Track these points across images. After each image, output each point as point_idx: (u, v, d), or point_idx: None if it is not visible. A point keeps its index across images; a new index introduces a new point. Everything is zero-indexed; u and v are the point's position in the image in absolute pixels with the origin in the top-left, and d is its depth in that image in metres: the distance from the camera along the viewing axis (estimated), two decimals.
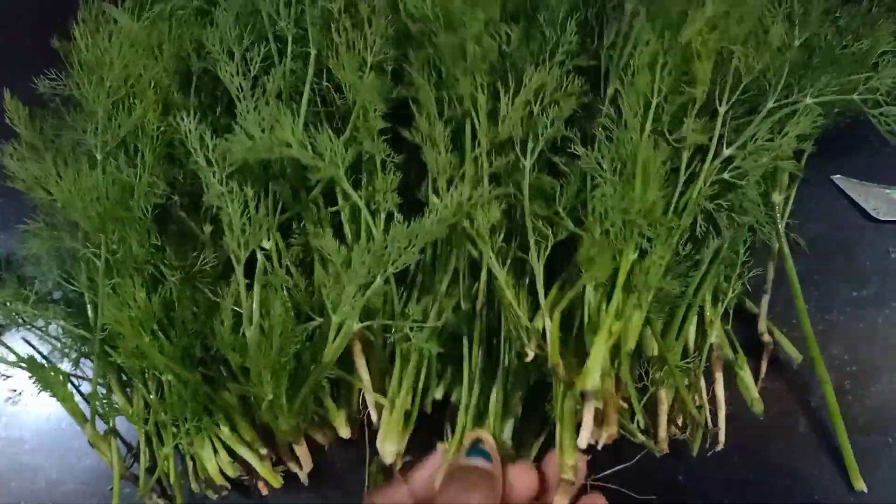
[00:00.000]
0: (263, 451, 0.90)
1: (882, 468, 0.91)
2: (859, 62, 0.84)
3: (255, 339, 0.83)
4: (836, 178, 1.02)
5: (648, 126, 0.80)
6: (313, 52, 0.86)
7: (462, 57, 0.81)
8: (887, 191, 1.00)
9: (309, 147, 0.80)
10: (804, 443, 0.93)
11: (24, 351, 0.96)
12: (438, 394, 0.90)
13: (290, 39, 0.87)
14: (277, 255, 0.88)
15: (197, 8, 0.93)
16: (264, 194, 0.86)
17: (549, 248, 0.83)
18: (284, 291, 0.86)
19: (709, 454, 0.90)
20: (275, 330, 0.82)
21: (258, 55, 0.87)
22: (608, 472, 0.86)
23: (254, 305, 0.84)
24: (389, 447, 0.84)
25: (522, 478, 0.81)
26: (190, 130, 0.84)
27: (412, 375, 0.86)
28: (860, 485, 0.89)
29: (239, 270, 0.84)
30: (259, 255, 0.86)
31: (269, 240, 0.86)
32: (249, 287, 0.85)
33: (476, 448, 0.81)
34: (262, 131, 0.79)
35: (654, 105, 0.79)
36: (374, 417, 0.88)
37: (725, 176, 0.82)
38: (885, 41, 0.84)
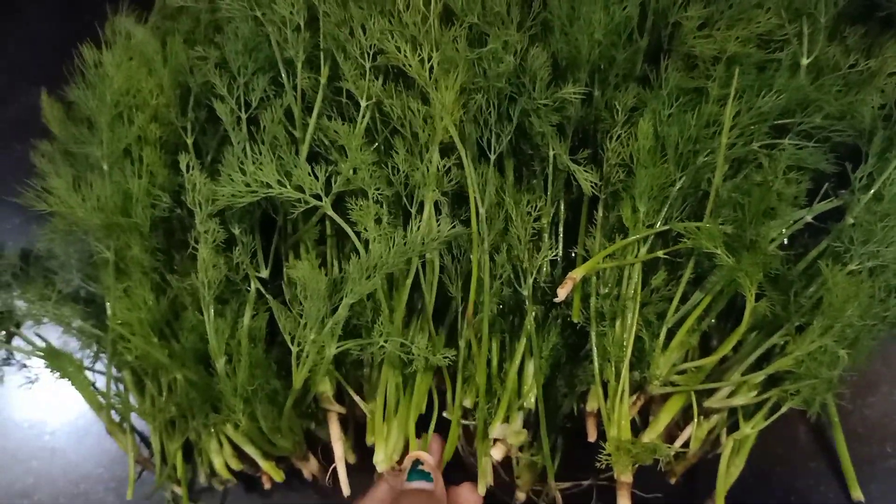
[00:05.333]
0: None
1: (880, 478, 0.90)
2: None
3: (223, 371, 0.86)
4: None
5: None
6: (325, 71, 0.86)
7: None
8: None
9: (287, 183, 0.81)
10: (803, 452, 0.93)
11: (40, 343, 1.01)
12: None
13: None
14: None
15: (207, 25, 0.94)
16: (259, 224, 0.89)
17: None
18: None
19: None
20: (242, 362, 0.85)
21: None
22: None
23: (244, 331, 0.87)
24: (378, 456, 0.86)
25: (468, 496, 0.84)
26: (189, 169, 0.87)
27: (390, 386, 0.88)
28: (858, 494, 0.89)
29: (205, 305, 0.87)
30: (253, 285, 0.88)
31: (266, 268, 0.89)
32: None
33: (415, 470, 0.83)
34: (244, 174, 0.81)
35: None
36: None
37: None
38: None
